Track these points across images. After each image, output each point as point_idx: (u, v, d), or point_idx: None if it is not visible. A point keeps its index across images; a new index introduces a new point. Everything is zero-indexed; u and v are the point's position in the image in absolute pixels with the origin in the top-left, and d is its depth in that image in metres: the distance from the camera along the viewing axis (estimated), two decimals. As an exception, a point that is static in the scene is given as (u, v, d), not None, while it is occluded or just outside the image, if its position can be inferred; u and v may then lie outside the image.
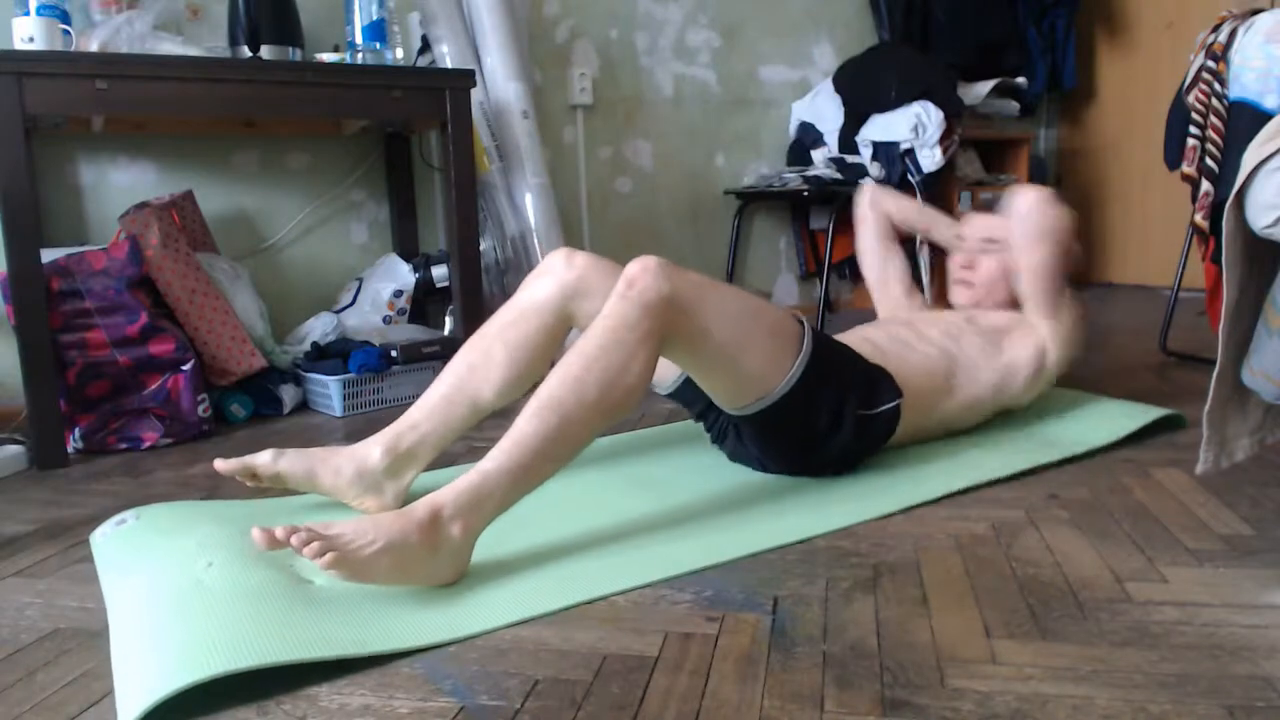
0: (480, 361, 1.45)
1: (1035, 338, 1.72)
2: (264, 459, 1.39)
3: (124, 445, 1.90)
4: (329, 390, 2.13)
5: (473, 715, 0.89)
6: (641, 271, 1.28)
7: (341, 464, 1.40)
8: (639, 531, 1.33)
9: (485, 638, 1.04)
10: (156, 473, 1.74)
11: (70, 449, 1.86)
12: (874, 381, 1.52)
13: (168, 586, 1.12)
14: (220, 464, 1.38)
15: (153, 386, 1.91)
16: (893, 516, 1.38)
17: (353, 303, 2.43)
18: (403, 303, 2.45)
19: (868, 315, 3.41)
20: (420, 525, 1.11)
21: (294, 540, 1.04)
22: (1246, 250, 1.11)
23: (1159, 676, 0.92)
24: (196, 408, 1.94)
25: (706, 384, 1.43)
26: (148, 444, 1.91)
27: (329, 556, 1.04)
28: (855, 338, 1.65)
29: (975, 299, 1.84)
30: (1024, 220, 1.70)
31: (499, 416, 1.53)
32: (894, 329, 1.70)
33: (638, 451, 1.72)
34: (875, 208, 2.02)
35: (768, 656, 0.98)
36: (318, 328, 2.34)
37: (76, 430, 1.87)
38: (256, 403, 2.13)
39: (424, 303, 2.52)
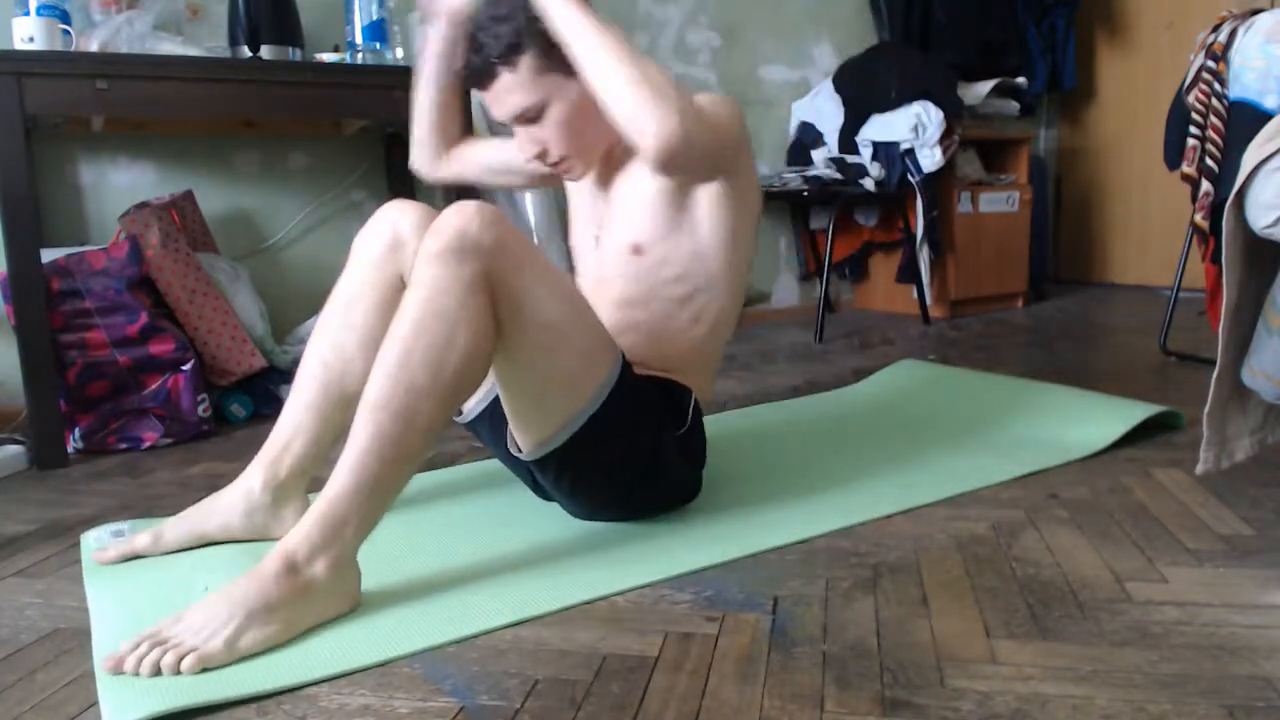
0: (333, 357, 1.30)
1: (711, 185, 1.32)
2: (144, 542, 1.28)
3: (124, 445, 1.90)
4: (329, 390, 2.12)
5: (473, 715, 0.89)
6: (455, 214, 1.09)
7: (227, 517, 1.30)
8: (639, 532, 1.33)
9: (485, 638, 1.04)
10: (156, 473, 1.74)
11: (70, 449, 1.86)
12: (669, 393, 1.34)
13: (163, 609, 1.11)
14: (99, 556, 1.27)
15: (153, 386, 1.91)
16: (893, 517, 1.38)
17: (353, 303, 2.43)
18: (403, 303, 2.45)
19: (868, 315, 3.42)
20: (277, 580, 1.02)
21: (144, 667, 0.95)
22: (1246, 250, 1.11)
23: (1159, 676, 0.92)
24: (196, 408, 1.94)
25: (512, 383, 1.20)
26: (148, 444, 1.91)
27: (186, 662, 0.94)
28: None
29: (583, 168, 1.37)
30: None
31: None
32: (605, 317, 1.34)
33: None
34: (422, 168, 1.55)
35: (768, 656, 0.98)
36: (318, 328, 2.34)
37: (76, 430, 1.87)
38: (256, 403, 2.13)
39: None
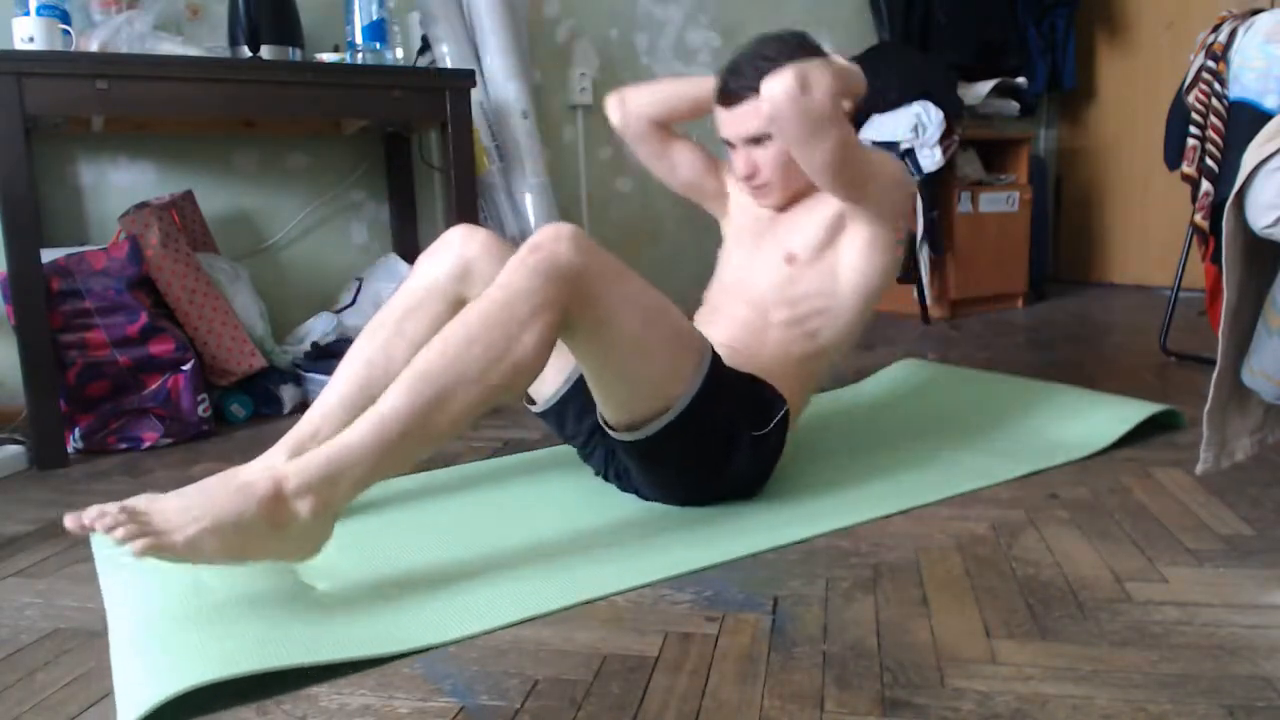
0: (378, 357, 1.34)
1: (859, 234, 1.48)
2: None
3: (124, 445, 1.90)
4: (329, 390, 2.12)
5: (473, 715, 0.89)
6: (553, 238, 1.15)
7: None
8: (639, 531, 1.33)
9: (485, 638, 1.04)
10: (156, 473, 1.74)
11: (70, 449, 1.86)
12: (759, 394, 1.40)
13: (169, 589, 1.12)
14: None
15: (153, 386, 1.91)
16: (893, 517, 1.38)
17: (353, 303, 2.43)
18: (403, 303, 2.44)
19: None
20: (261, 501, 1.01)
21: (100, 525, 0.95)
22: (1246, 250, 1.11)
23: (1159, 676, 0.92)
24: (196, 408, 1.94)
25: (601, 386, 1.29)
26: (148, 444, 1.91)
27: (141, 542, 0.95)
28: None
29: (779, 199, 1.55)
30: (782, 125, 1.32)
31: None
32: (731, 312, 1.53)
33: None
34: (628, 112, 1.66)
35: (768, 656, 0.98)
36: (318, 328, 2.34)
37: (76, 430, 1.87)
38: (256, 403, 2.13)
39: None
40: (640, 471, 1.40)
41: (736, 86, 1.46)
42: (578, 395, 1.41)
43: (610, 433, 1.34)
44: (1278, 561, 1.19)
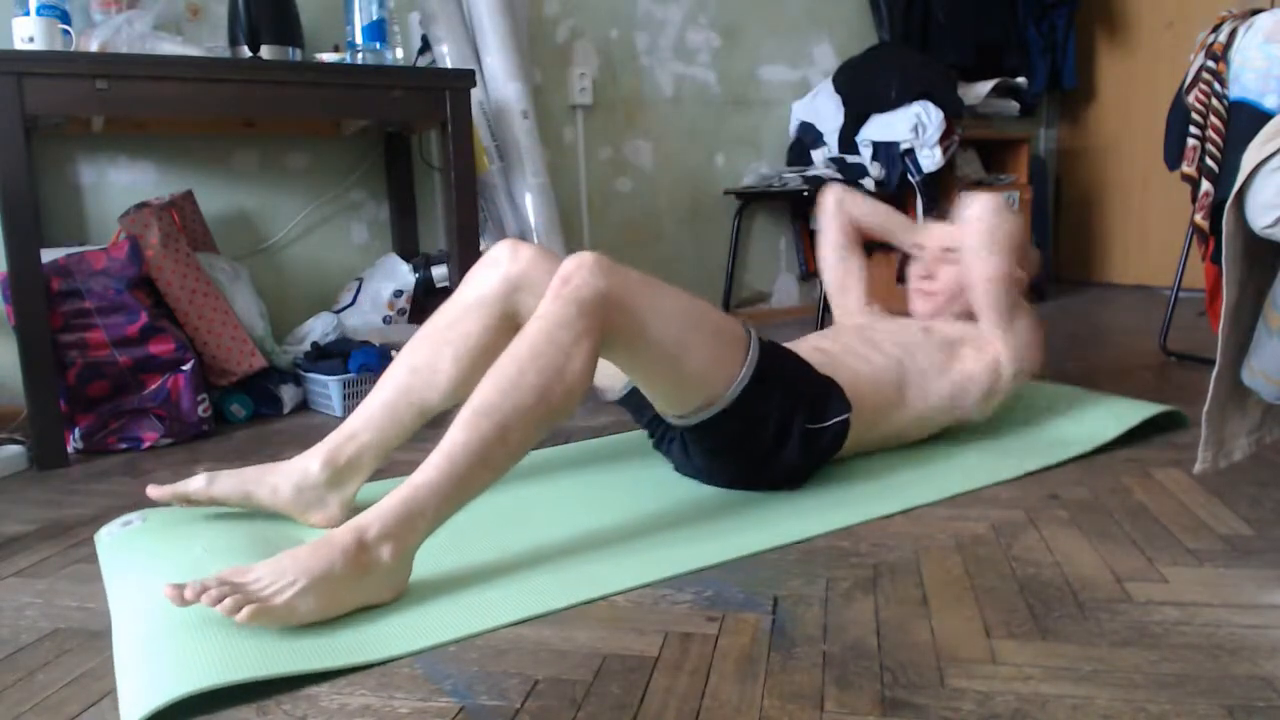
0: (423, 365, 1.39)
1: (990, 351, 1.65)
2: (197, 484, 1.34)
3: (124, 445, 1.90)
4: (329, 390, 2.13)
5: (473, 715, 0.89)
6: (577, 268, 1.23)
7: (278, 482, 1.35)
8: (639, 531, 1.33)
9: (485, 638, 1.04)
10: (156, 473, 1.74)
11: (70, 449, 1.86)
12: (823, 393, 1.47)
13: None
14: (153, 490, 1.34)
15: (153, 386, 1.91)
16: (893, 517, 1.38)
17: (353, 303, 2.43)
18: (403, 303, 2.45)
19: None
20: (345, 552, 1.05)
21: (204, 599, 0.99)
22: (1246, 250, 1.11)
23: (1159, 676, 0.92)
24: (196, 408, 1.94)
25: (649, 388, 1.38)
26: (148, 444, 1.91)
27: (246, 611, 0.98)
28: (806, 347, 1.59)
29: (935, 309, 1.78)
30: (972, 228, 1.63)
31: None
32: (847, 338, 1.65)
33: (639, 452, 1.72)
34: (841, 209, 1.90)
35: (768, 656, 0.99)
36: (318, 328, 2.34)
37: (76, 430, 1.87)
38: (256, 403, 2.13)
39: (424, 303, 2.52)
40: (700, 453, 1.47)
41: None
42: (637, 391, 1.49)
43: (667, 418, 1.44)
44: (1278, 561, 1.19)
